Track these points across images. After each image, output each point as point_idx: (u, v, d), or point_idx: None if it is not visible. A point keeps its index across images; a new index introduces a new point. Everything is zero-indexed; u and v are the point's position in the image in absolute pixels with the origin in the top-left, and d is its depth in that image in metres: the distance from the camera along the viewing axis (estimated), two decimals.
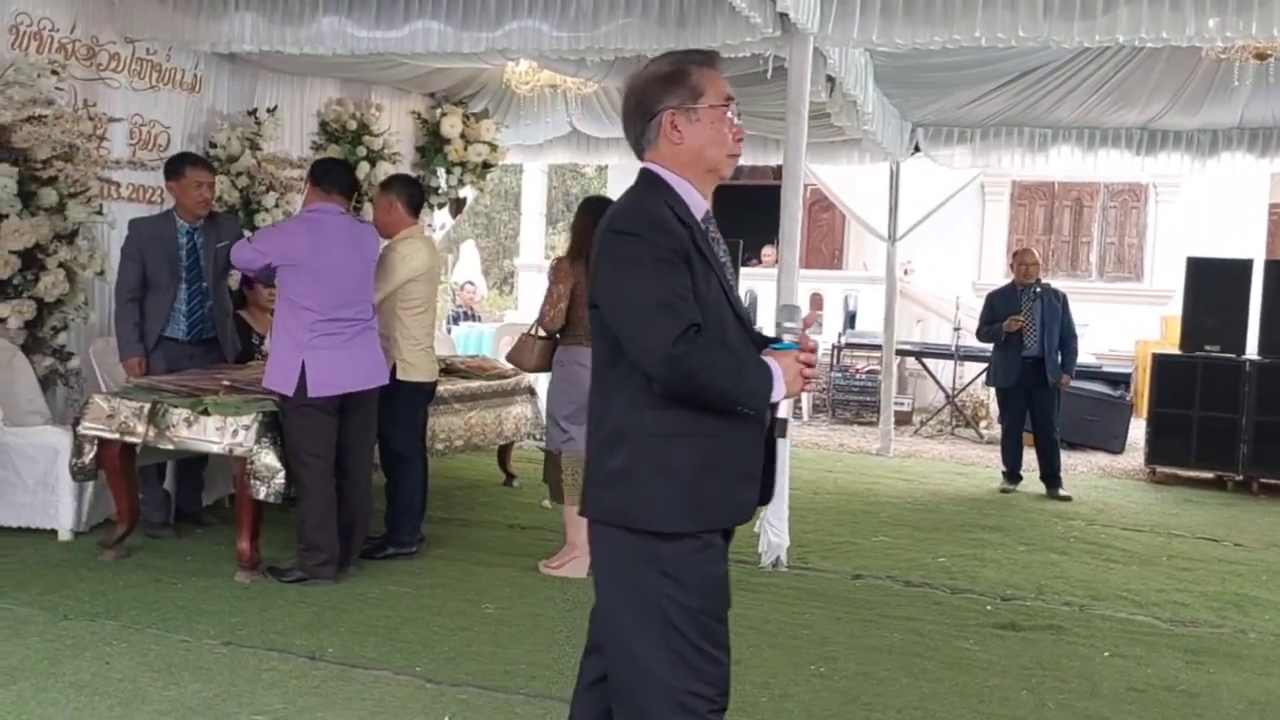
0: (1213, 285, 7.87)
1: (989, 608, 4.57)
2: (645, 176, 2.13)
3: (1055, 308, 7.17)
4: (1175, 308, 9.28)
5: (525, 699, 3.34)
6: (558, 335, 4.68)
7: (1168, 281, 12.12)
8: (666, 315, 1.94)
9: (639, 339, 1.97)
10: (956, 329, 10.07)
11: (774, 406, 2.09)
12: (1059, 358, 7.15)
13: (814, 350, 2.09)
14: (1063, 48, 5.34)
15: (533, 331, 4.75)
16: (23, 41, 5.38)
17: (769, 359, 2.03)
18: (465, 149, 8.38)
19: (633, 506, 2.02)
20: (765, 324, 8.80)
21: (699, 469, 2.02)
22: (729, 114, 2.11)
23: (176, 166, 5.07)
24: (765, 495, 2.18)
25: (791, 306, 2.19)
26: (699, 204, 2.11)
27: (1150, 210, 13.25)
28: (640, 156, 2.17)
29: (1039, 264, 7.47)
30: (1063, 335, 7.17)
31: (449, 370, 6.08)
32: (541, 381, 7.47)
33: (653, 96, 2.10)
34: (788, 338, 2.08)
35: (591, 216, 4.79)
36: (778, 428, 2.12)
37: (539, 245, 15.12)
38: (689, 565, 2.03)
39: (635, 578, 2.04)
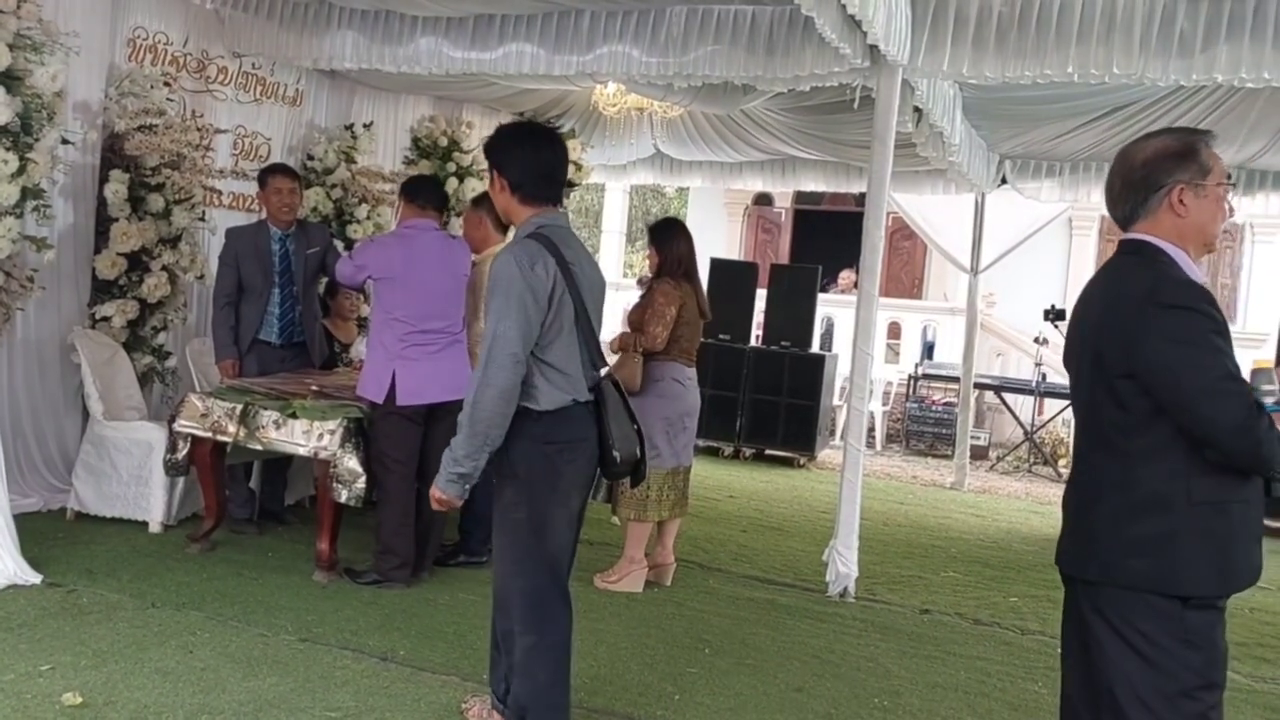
0: None
1: (1059, 651, 4.48)
2: (1144, 248, 2.16)
3: None
4: (1270, 351, 8.97)
5: (585, 713, 3.38)
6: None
7: (1263, 324, 11.72)
8: (1237, 385, 2.00)
9: (1209, 410, 2.00)
10: (1038, 364, 9.89)
11: None
12: None
13: None
14: (1157, 85, 5.20)
15: (637, 350, 4.73)
16: (139, 54, 5.66)
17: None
18: None
19: (1174, 573, 2.05)
20: (842, 351, 8.46)
21: (1233, 536, 2.07)
22: (1228, 193, 2.19)
23: (263, 175, 5.31)
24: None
25: (1265, 371, 2.27)
26: (1199, 277, 2.13)
27: (1246, 251, 12.84)
28: (1125, 226, 2.22)
29: None
30: None
31: None
32: None
33: (1163, 169, 2.15)
34: (1269, 400, 2.13)
35: (687, 237, 4.89)
36: (1274, 487, 2.16)
37: (618, 263, 15.26)
38: (1211, 639, 2.08)
39: (1158, 648, 2.07)
